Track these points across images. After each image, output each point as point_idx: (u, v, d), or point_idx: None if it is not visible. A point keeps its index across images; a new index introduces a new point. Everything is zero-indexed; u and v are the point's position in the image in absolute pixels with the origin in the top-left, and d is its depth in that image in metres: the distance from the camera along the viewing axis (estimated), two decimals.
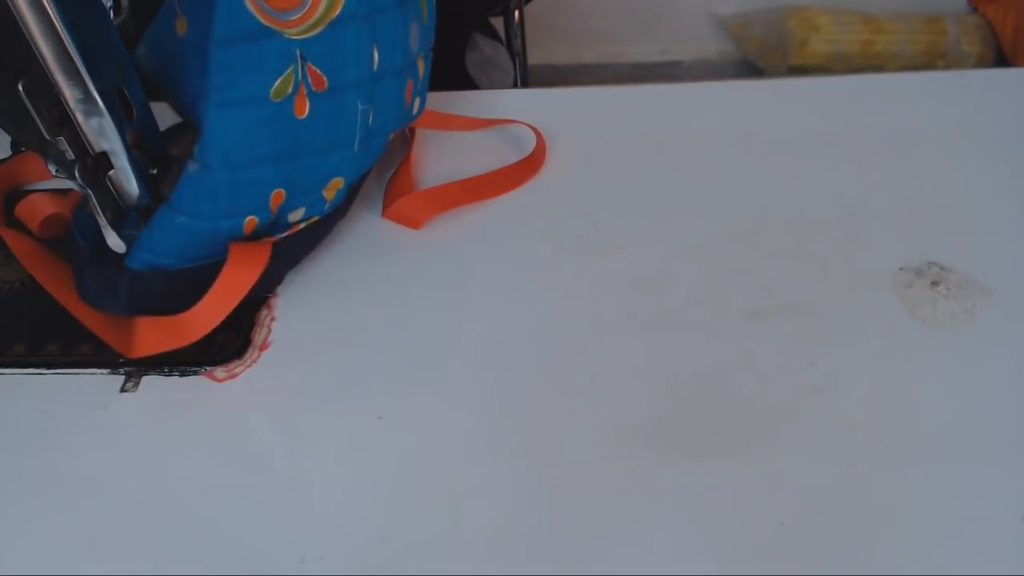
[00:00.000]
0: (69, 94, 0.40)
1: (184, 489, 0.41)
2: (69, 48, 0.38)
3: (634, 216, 0.53)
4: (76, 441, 0.44)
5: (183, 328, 0.45)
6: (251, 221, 0.46)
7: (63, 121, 0.41)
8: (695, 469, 0.41)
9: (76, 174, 0.41)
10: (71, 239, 0.48)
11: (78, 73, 0.39)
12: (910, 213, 0.52)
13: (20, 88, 0.39)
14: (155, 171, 0.45)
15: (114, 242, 0.44)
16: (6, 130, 0.46)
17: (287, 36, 0.41)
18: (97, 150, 0.42)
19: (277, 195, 0.46)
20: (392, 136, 0.52)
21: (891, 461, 0.41)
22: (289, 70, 0.42)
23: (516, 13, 0.92)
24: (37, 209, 0.52)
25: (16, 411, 0.45)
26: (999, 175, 0.55)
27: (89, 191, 0.42)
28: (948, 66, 1.52)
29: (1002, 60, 1.50)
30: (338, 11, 0.42)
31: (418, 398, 0.44)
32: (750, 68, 1.64)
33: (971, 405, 0.43)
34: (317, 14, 0.42)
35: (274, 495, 0.41)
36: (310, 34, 0.42)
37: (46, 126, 0.40)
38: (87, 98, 0.40)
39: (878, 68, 1.52)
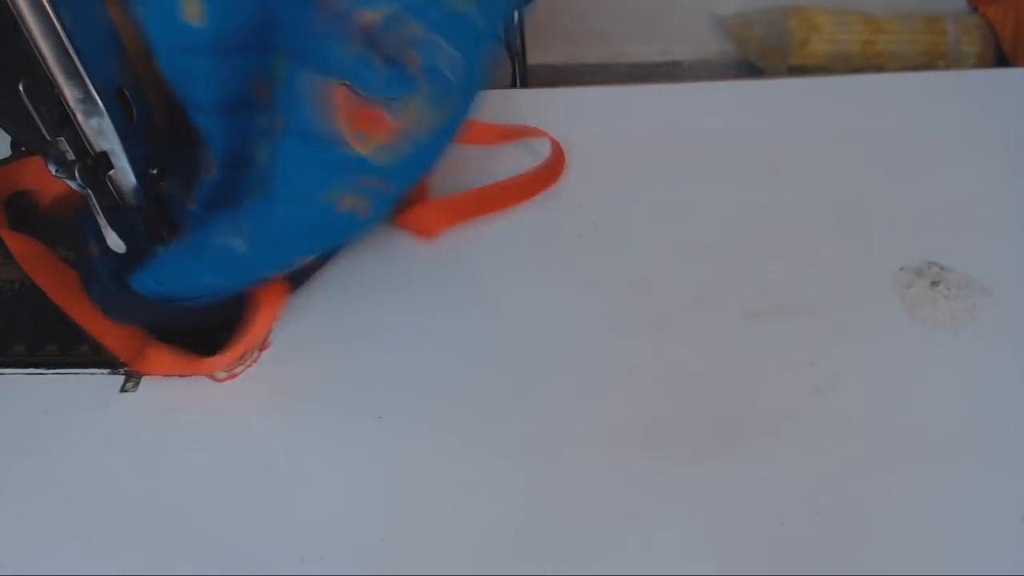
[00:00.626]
0: (69, 94, 0.40)
1: (184, 489, 0.41)
2: (69, 48, 0.38)
3: (634, 216, 0.53)
4: (76, 441, 0.44)
5: (198, 364, 0.45)
6: (275, 275, 0.46)
7: (63, 121, 0.41)
8: (695, 469, 0.41)
9: (76, 174, 0.41)
10: (84, 237, 0.48)
11: (78, 73, 0.39)
12: (910, 213, 0.52)
13: (20, 88, 0.39)
14: (155, 171, 0.45)
15: (114, 242, 0.44)
16: (6, 130, 0.46)
17: (355, 152, 0.41)
18: (97, 150, 0.42)
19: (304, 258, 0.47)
20: None
21: (891, 461, 0.41)
22: (357, 182, 0.42)
23: (515, 13, 0.92)
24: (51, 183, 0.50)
25: (16, 411, 0.45)
26: (999, 175, 0.54)
27: (89, 191, 0.42)
28: (948, 66, 1.52)
29: (1002, 60, 1.49)
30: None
31: (418, 398, 0.44)
32: (750, 68, 1.64)
33: (971, 405, 0.42)
34: (395, 135, 0.41)
35: (274, 495, 0.41)
36: (389, 156, 0.42)
37: (46, 126, 0.40)
38: (87, 98, 0.40)
39: (878, 68, 1.52)
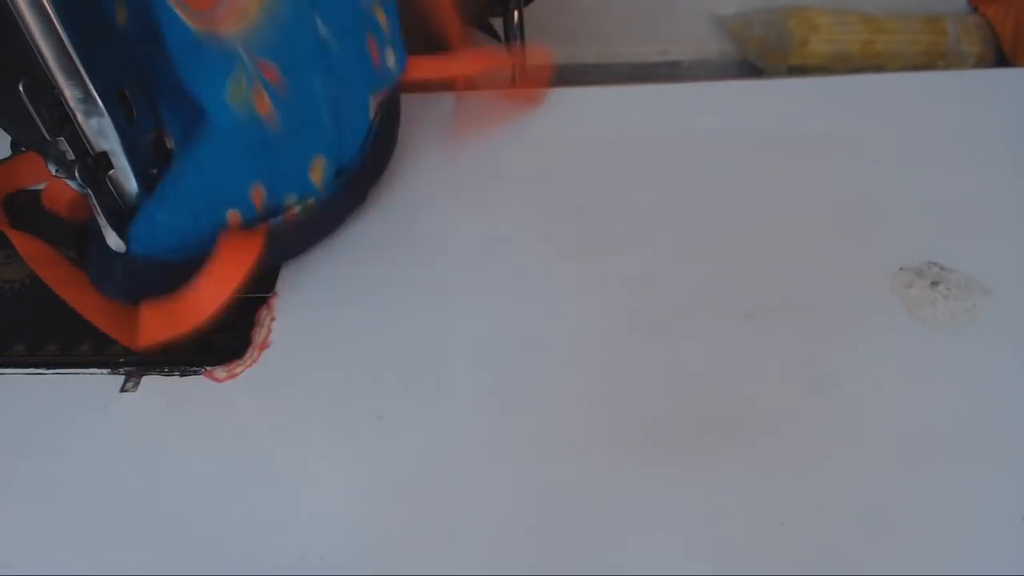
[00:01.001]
0: (69, 94, 0.40)
1: (184, 489, 0.41)
2: (69, 48, 0.38)
3: (634, 216, 0.53)
4: (76, 441, 0.44)
5: (184, 313, 0.44)
6: (234, 215, 0.45)
7: (63, 121, 0.41)
8: (695, 469, 0.41)
9: (76, 174, 0.41)
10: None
11: (78, 73, 0.39)
12: (910, 213, 0.52)
13: (20, 88, 0.39)
14: (155, 171, 0.45)
15: (114, 242, 0.44)
16: (6, 130, 0.46)
17: (221, 35, 0.39)
18: (97, 150, 0.42)
19: (257, 190, 0.45)
20: (378, 99, 0.51)
21: (891, 461, 0.41)
22: (238, 71, 0.40)
23: (516, 13, 0.92)
24: (62, 191, 0.50)
25: (16, 411, 0.45)
26: (999, 175, 0.54)
27: (89, 191, 0.42)
28: (948, 66, 1.52)
29: (1002, 60, 1.49)
30: None
31: (418, 398, 0.44)
32: (750, 68, 1.64)
33: (971, 405, 0.42)
34: (245, 2, 0.40)
35: (274, 495, 0.41)
36: (245, 26, 0.40)
37: (46, 126, 0.40)
38: (87, 98, 0.40)
39: (878, 68, 1.52)
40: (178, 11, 0.38)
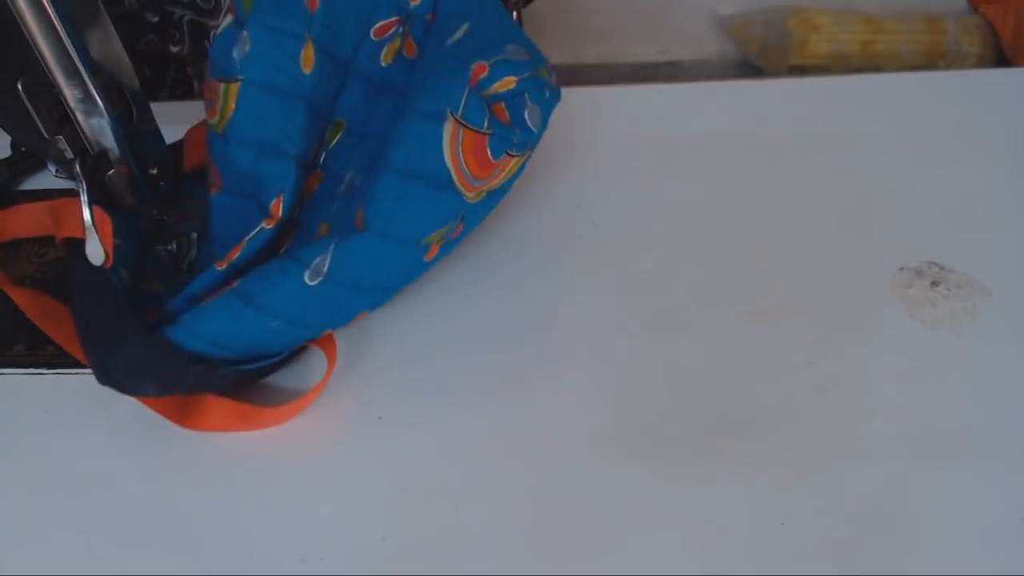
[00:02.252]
0: (69, 94, 0.40)
1: (184, 489, 0.41)
2: (69, 48, 0.38)
3: (634, 216, 0.53)
4: (76, 441, 0.44)
5: (256, 417, 0.43)
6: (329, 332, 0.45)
7: (63, 121, 0.41)
8: (695, 469, 0.41)
9: (76, 173, 0.41)
10: (89, 291, 0.43)
11: (78, 73, 0.39)
12: (910, 213, 0.52)
13: (20, 88, 0.39)
14: (155, 171, 0.45)
15: (94, 251, 0.42)
16: (6, 130, 0.46)
17: (465, 199, 0.42)
18: (97, 150, 0.42)
19: (361, 315, 0.46)
20: None
21: (891, 461, 0.41)
22: (449, 226, 0.43)
23: (515, 14, 0.92)
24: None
25: (16, 411, 0.45)
26: (999, 175, 0.54)
27: (83, 186, 0.42)
28: (948, 66, 1.52)
29: (1002, 60, 1.49)
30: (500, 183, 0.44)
31: (418, 398, 0.44)
32: (750, 68, 1.64)
33: (971, 405, 0.43)
34: (493, 184, 0.44)
35: (274, 495, 0.41)
36: (478, 200, 0.43)
37: (46, 126, 0.41)
38: (87, 98, 0.40)
39: (878, 68, 1.51)
40: (448, 158, 0.41)
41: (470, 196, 0.42)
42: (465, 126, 0.40)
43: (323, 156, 0.47)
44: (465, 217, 0.44)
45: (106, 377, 0.40)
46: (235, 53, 0.42)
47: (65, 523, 0.41)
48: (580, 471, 0.41)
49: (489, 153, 0.41)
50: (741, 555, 0.38)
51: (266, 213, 0.43)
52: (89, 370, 0.45)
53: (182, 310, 0.42)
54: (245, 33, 0.42)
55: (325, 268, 0.41)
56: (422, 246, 0.43)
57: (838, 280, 0.49)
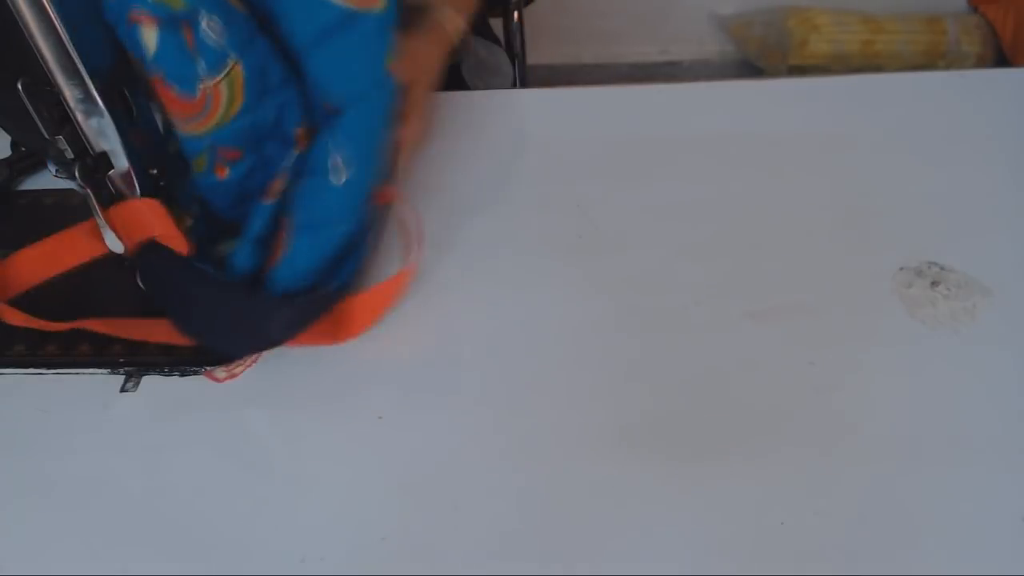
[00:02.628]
0: (69, 94, 0.40)
1: (184, 489, 0.41)
2: (69, 48, 0.38)
3: (634, 216, 0.53)
4: (76, 441, 0.44)
5: (388, 290, 0.48)
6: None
7: (63, 121, 0.41)
8: (695, 469, 0.41)
9: (76, 174, 0.41)
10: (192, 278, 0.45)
11: (78, 73, 0.39)
12: (910, 213, 0.52)
13: (20, 88, 0.39)
14: (155, 171, 0.45)
15: (112, 242, 0.44)
16: (6, 130, 0.46)
17: (190, 133, 0.44)
18: (97, 150, 0.42)
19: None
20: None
21: (891, 461, 0.41)
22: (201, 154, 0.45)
23: (516, 14, 0.92)
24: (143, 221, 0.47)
25: (16, 411, 0.45)
26: (999, 175, 0.54)
27: (88, 191, 0.42)
28: (948, 66, 1.52)
29: (1002, 60, 1.49)
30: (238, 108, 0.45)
31: (418, 398, 0.44)
32: (750, 68, 1.64)
33: (971, 405, 0.42)
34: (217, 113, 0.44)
35: (274, 495, 0.41)
36: (212, 129, 0.44)
37: (46, 126, 0.40)
38: (87, 98, 0.40)
39: (878, 68, 1.52)
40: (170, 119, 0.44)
41: (194, 132, 0.44)
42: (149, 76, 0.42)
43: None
44: (216, 139, 0.45)
45: (263, 343, 0.46)
46: (207, 44, 0.42)
47: (65, 523, 0.41)
48: (580, 471, 0.41)
49: (176, 94, 0.43)
50: (741, 555, 0.38)
51: (291, 141, 0.47)
52: (89, 370, 0.46)
53: (252, 256, 0.46)
54: (210, 20, 0.42)
55: (340, 161, 0.45)
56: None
57: (838, 280, 0.49)
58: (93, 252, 0.49)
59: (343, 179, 0.45)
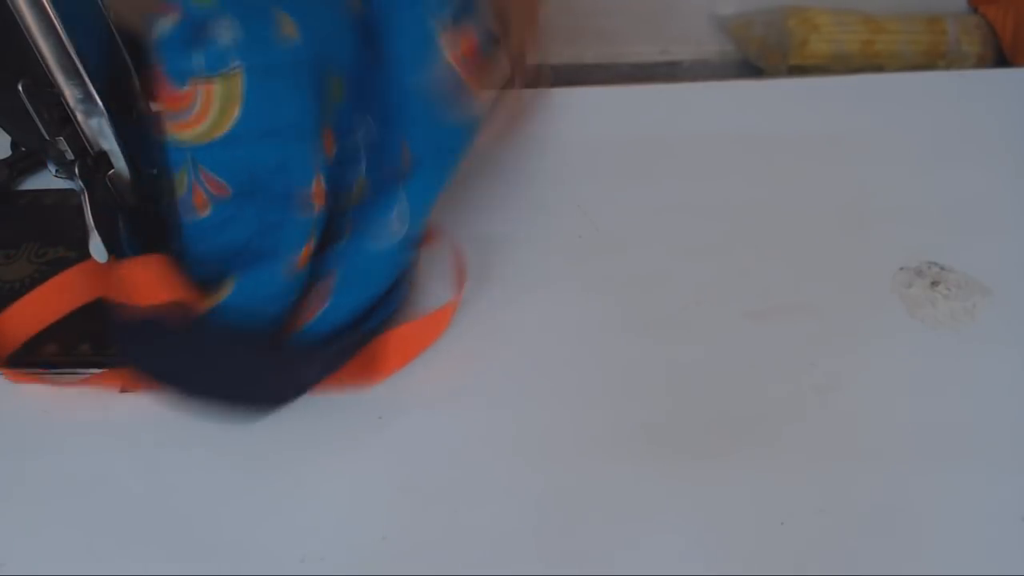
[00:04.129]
0: (69, 94, 0.40)
1: (184, 489, 0.41)
2: (69, 48, 0.38)
3: (634, 216, 0.53)
4: (76, 441, 0.44)
5: (425, 329, 0.46)
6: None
7: (63, 121, 0.41)
8: (695, 469, 0.41)
9: (76, 174, 0.41)
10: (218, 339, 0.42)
11: (78, 73, 0.39)
12: (910, 213, 0.52)
13: (20, 88, 0.39)
14: (155, 171, 0.45)
15: (96, 248, 0.42)
16: (6, 130, 0.46)
17: (176, 137, 0.40)
18: (97, 150, 0.42)
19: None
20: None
21: (891, 461, 0.41)
22: (182, 168, 0.41)
23: None
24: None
25: (16, 411, 0.45)
26: (999, 175, 0.54)
27: (84, 190, 0.42)
28: (948, 66, 1.51)
29: (1002, 60, 1.49)
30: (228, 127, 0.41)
31: (418, 398, 0.44)
32: (750, 68, 1.64)
33: (971, 405, 0.43)
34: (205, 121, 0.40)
35: (274, 495, 0.41)
36: (197, 139, 0.40)
37: (46, 127, 0.40)
38: (87, 98, 0.40)
39: (878, 68, 1.51)
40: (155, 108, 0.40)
41: (177, 135, 0.40)
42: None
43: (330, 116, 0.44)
44: (197, 155, 0.41)
45: (293, 394, 0.44)
46: (217, 44, 0.39)
47: (65, 523, 0.41)
48: (580, 471, 0.41)
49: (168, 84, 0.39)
50: (742, 555, 0.38)
51: (290, 201, 0.41)
52: (89, 370, 0.45)
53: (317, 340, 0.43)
54: (227, 20, 0.39)
55: (398, 216, 0.43)
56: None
57: (838, 280, 0.49)
58: (90, 295, 0.46)
59: (399, 236, 0.43)
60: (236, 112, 0.40)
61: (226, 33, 0.39)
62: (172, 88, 0.39)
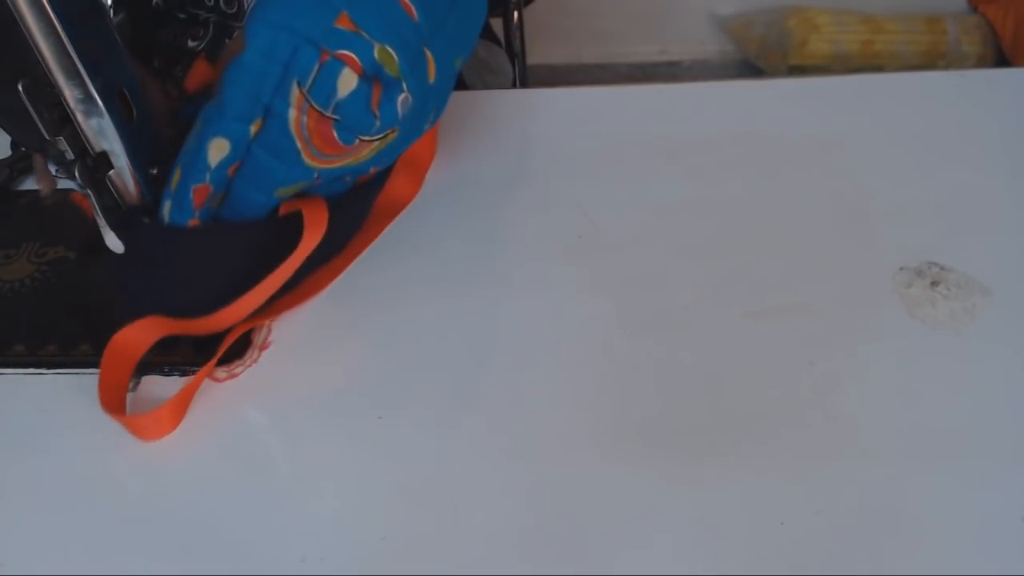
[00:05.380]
0: (69, 94, 0.40)
1: (184, 489, 0.41)
2: (69, 48, 0.38)
3: (634, 216, 0.53)
4: (76, 441, 0.44)
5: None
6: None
7: (63, 121, 0.41)
8: (695, 469, 0.41)
9: (76, 174, 0.41)
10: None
11: (78, 73, 0.39)
12: (910, 213, 0.52)
13: (20, 88, 0.39)
14: (155, 171, 0.45)
15: (113, 242, 0.44)
16: (6, 130, 0.46)
17: (320, 167, 0.45)
18: (97, 150, 0.42)
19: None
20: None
21: (891, 461, 0.41)
22: (302, 183, 0.46)
23: (516, 14, 0.92)
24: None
25: (16, 411, 0.45)
26: (999, 175, 0.54)
27: (89, 191, 0.42)
28: (948, 66, 1.52)
29: (1002, 60, 1.49)
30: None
31: (418, 398, 0.44)
32: (750, 68, 1.64)
33: (971, 405, 0.42)
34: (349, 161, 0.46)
35: (274, 495, 0.41)
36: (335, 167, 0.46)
37: (46, 126, 0.40)
38: (87, 98, 0.40)
39: (878, 68, 1.51)
40: (300, 146, 0.43)
41: (320, 167, 0.45)
42: (311, 105, 0.42)
43: None
44: (322, 175, 0.46)
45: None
46: (395, 114, 0.43)
47: (65, 523, 0.41)
48: (579, 471, 0.41)
49: (335, 135, 0.43)
50: (741, 555, 0.38)
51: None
52: (89, 370, 0.45)
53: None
54: (407, 94, 0.43)
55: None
56: (276, 197, 0.46)
57: (838, 280, 0.49)
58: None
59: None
60: (373, 153, 0.45)
61: (404, 106, 0.43)
62: (339, 142, 0.43)
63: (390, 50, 0.42)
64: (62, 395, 0.46)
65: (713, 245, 0.51)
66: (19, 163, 0.58)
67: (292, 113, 0.42)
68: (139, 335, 0.44)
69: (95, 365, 0.46)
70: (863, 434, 0.42)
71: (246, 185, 0.45)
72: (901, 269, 0.49)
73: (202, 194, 0.45)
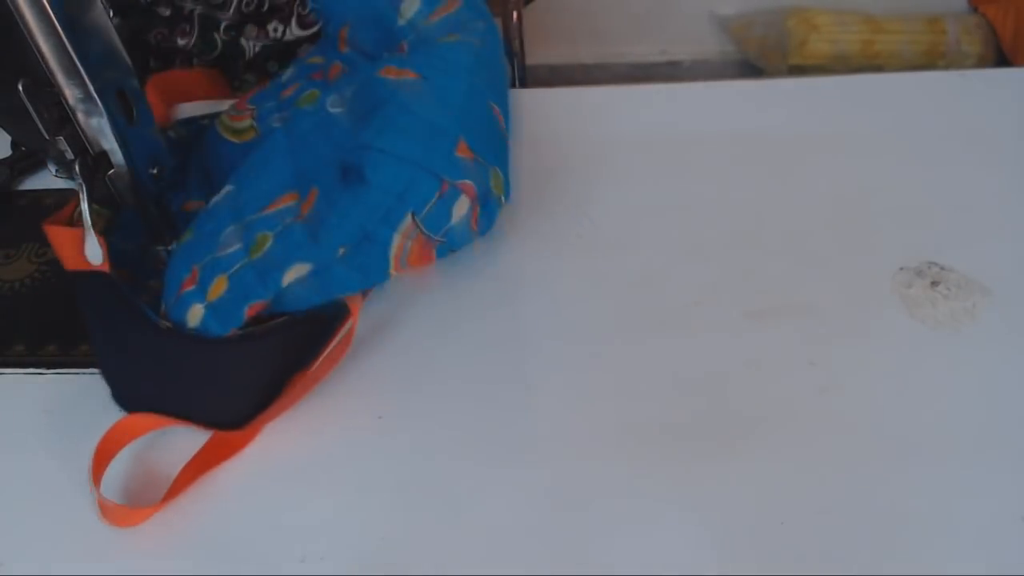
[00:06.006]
0: (69, 94, 0.40)
1: (184, 489, 0.41)
2: (69, 48, 0.38)
3: (634, 216, 0.53)
4: (76, 441, 0.44)
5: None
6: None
7: (63, 121, 0.41)
8: (695, 469, 0.41)
9: (76, 174, 0.41)
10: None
11: (78, 73, 0.39)
12: (910, 213, 0.52)
13: (20, 88, 0.39)
14: (155, 171, 0.45)
15: (92, 251, 0.42)
16: (6, 130, 0.46)
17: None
18: (97, 150, 0.42)
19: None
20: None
21: (891, 461, 0.41)
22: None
23: (516, 14, 0.92)
24: None
25: (16, 411, 0.45)
26: (999, 175, 0.54)
27: (82, 187, 0.42)
28: (948, 66, 1.52)
29: (1002, 60, 1.49)
30: None
31: (418, 398, 0.44)
32: (750, 68, 1.64)
33: (971, 405, 0.42)
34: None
35: (274, 495, 0.41)
36: None
37: (46, 126, 0.40)
38: (87, 98, 0.40)
39: (878, 68, 1.51)
40: (392, 264, 0.44)
41: (402, 275, 0.45)
42: (421, 232, 0.43)
43: None
44: None
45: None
46: (493, 222, 0.46)
47: (65, 523, 0.41)
48: (580, 471, 0.41)
49: (434, 254, 0.45)
50: (741, 555, 0.38)
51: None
52: (89, 370, 0.45)
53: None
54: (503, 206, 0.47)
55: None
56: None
57: (838, 280, 0.49)
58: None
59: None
60: None
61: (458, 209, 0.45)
62: (435, 257, 0.45)
63: (499, 172, 0.44)
64: (62, 395, 0.46)
65: (713, 245, 0.51)
66: (19, 163, 0.58)
67: (396, 239, 0.42)
68: (143, 423, 0.43)
69: (95, 365, 0.47)
70: (863, 434, 0.42)
71: (310, 292, 0.42)
72: (901, 269, 0.49)
73: (258, 308, 0.42)
